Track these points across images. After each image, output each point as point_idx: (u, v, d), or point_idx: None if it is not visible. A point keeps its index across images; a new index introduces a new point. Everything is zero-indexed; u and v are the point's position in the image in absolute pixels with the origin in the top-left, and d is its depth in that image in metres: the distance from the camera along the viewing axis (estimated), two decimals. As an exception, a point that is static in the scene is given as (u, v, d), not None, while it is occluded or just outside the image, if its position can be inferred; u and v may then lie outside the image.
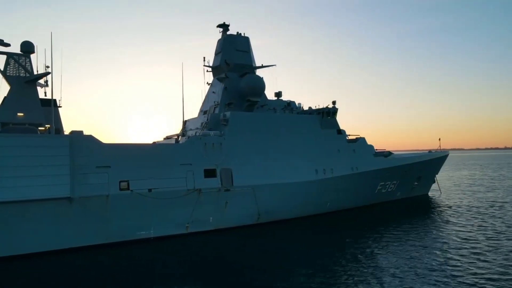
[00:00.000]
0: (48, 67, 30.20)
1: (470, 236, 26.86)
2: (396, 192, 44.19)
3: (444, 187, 58.01)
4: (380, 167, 39.58)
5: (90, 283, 18.89)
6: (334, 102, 38.19)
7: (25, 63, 28.06)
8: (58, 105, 33.03)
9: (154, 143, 32.69)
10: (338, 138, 37.13)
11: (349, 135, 43.35)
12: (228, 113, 31.71)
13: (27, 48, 28.23)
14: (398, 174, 42.45)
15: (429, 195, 50.24)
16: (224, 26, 36.79)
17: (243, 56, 36.26)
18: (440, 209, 39.09)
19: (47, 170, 23.09)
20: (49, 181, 23.01)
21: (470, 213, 36.02)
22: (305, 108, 39.48)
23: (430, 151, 53.50)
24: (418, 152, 65.37)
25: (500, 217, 33.40)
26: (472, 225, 30.60)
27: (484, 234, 27.51)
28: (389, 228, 30.04)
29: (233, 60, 35.69)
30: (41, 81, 31.87)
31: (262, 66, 37.70)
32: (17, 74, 27.58)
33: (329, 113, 37.08)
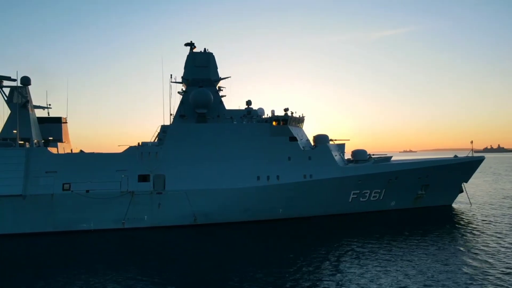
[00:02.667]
0: (50, 105, 40.58)
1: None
2: (389, 202, 40.94)
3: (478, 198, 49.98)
4: (343, 175, 37.79)
5: (39, 259, 25.89)
6: (286, 109, 38.35)
7: (24, 93, 37.64)
8: (64, 121, 42.62)
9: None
10: (290, 146, 37.18)
11: (333, 140, 42.58)
12: (167, 126, 35.91)
13: (25, 81, 37.81)
14: (380, 182, 39.47)
15: (454, 207, 44.23)
16: (191, 45, 40.77)
17: (202, 71, 39.62)
18: (440, 224, 34.64)
19: (5, 173, 31.49)
20: (6, 182, 31.38)
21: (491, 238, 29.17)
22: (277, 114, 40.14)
23: (456, 156, 46.81)
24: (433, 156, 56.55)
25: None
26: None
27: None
28: (328, 243, 28.52)
29: (191, 75, 39.46)
30: (45, 104, 41.83)
31: (220, 79, 40.36)
32: (18, 102, 37.26)
33: (279, 120, 37.49)
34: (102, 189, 33.06)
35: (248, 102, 41.90)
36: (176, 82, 40.38)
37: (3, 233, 31.59)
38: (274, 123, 37.56)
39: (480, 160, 46.02)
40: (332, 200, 38.16)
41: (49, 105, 41.76)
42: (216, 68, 40.61)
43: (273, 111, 38.78)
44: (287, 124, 37.66)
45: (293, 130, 38.15)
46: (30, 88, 38.57)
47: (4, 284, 20.84)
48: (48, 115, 41.67)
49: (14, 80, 37.92)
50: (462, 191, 45.59)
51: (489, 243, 27.25)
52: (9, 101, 37.28)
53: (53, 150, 35.58)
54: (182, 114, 38.38)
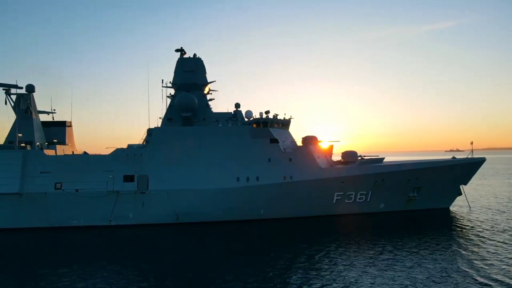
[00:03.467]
0: (54, 110, 44.00)
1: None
2: (377, 204, 40.55)
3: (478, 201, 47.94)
4: (324, 176, 37.94)
5: (34, 251, 28.91)
6: (267, 112, 39.02)
7: (28, 99, 41.09)
8: (68, 125, 45.89)
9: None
10: (271, 147, 37.89)
11: (321, 141, 42.86)
12: (152, 129, 37.85)
13: (30, 89, 41.34)
14: (365, 184, 39.23)
15: (451, 210, 42.98)
16: (181, 51, 42.52)
17: (189, 76, 41.21)
18: (422, 228, 33.65)
19: (3, 173, 34.75)
20: (5, 181, 34.63)
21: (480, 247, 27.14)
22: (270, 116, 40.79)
23: (454, 157, 45.33)
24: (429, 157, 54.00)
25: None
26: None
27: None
28: (300, 244, 28.55)
29: (179, 80, 41.17)
30: (50, 109, 45.30)
31: (207, 83, 41.74)
32: (23, 108, 40.73)
33: (259, 123, 38.28)
34: (90, 188, 35.57)
35: (237, 105, 43.03)
36: (167, 87, 42.31)
37: (2, 227, 34.88)
38: (254, 125, 38.43)
39: (480, 162, 44.35)
40: (315, 201, 38.41)
41: (54, 110, 45.27)
42: (204, 72, 42.09)
43: (261, 113, 39.62)
44: (267, 126, 38.39)
45: (275, 132, 38.83)
46: (36, 95, 42.20)
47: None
48: (53, 119, 45.11)
49: (21, 87, 41.56)
50: (461, 194, 44.15)
51: (482, 250, 25.84)
52: (15, 107, 40.89)
53: (51, 152, 38.71)
54: (169, 117, 40.23)
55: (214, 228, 35.25)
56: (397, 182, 40.14)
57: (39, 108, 43.87)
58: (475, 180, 77.69)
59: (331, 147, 42.27)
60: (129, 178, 36.18)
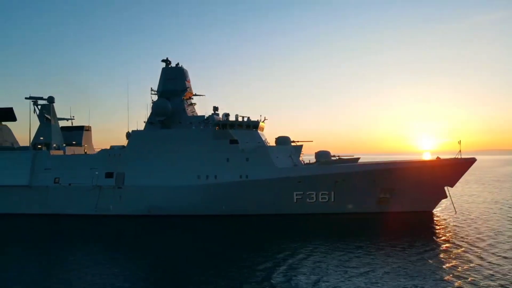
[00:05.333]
0: (73, 116, 52.43)
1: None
2: (344, 204, 40.24)
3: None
4: (279, 176, 39.08)
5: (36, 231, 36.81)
6: (227, 115, 41.46)
7: (49, 108, 49.92)
8: (86, 129, 54.19)
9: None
10: (230, 148, 40.34)
11: (295, 141, 44.26)
12: (131, 131, 43.24)
13: (50, 100, 50.21)
14: (325, 184, 39.34)
15: (435, 213, 40.70)
16: (167, 61, 47.24)
17: (170, 83, 45.61)
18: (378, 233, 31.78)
19: (18, 170, 43.37)
20: (18, 175, 43.22)
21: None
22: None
23: (438, 157, 42.32)
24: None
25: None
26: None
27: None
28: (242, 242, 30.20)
29: (161, 87, 45.86)
30: (69, 116, 53.98)
31: (186, 89, 45.56)
32: (45, 116, 49.69)
33: (219, 125, 40.99)
34: (79, 183, 42.37)
35: (215, 108, 46.36)
36: (154, 94, 47.51)
37: (14, 213, 43.54)
38: (217, 127, 41.36)
39: (468, 162, 40.87)
40: (275, 200, 39.79)
41: (73, 116, 53.95)
42: (184, 80, 46.20)
43: (222, 116, 42.47)
44: (227, 128, 40.99)
45: (239, 134, 41.16)
46: (59, 103, 51.06)
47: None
48: (72, 124, 53.77)
49: (45, 99, 50.66)
50: (446, 197, 41.16)
51: (459, 260, 22.75)
52: (39, 115, 50.05)
53: (60, 152, 46.70)
54: (151, 121, 45.24)
55: (181, 222, 38.85)
56: (360, 183, 39.33)
57: (63, 115, 53.06)
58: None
59: (300, 147, 43.06)
60: (109, 175, 42.12)
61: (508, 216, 38.12)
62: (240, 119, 42.81)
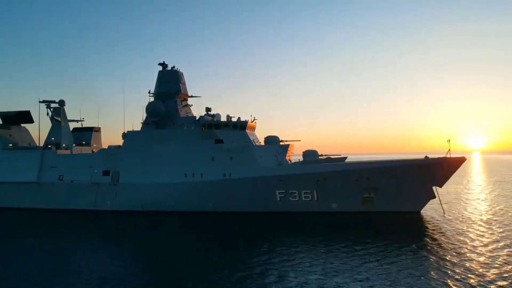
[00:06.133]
0: (83, 118, 56.13)
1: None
2: (328, 203, 40.53)
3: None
4: (261, 174, 39.95)
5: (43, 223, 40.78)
6: (212, 116, 42.81)
7: (59, 111, 53.84)
8: (96, 130, 57.80)
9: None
10: (215, 147, 41.75)
11: (283, 141, 45.14)
12: (126, 132, 45.81)
13: (61, 103, 54.11)
14: (307, 183, 39.78)
15: (422, 214, 39.93)
16: (163, 64, 49.47)
17: (165, 86, 47.76)
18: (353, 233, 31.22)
19: (28, 167, 47.31)
20: (28, 173, 47.16)
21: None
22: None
23: (426, 156, 41.39)
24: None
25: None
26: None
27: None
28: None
29: (157, 90, 48.11)
30: (79, 118, 57.75)
31: (179, 91, 47.44)
32: (55, 118, 53.64)
33: (205, 125, 42.48)
34: (80, 180, 45.57)
35: (208, 109, 48.02)
36: (151, 96, 49.92)
37: (24, 207, 47.53)
38: (203, 128, 42.93)
39: (457, 161, 39.76)
40: (258, 198, 40.79)
41: (82, 118, 57.71)
42: (178, 82, 48.20)
43: (207, 117, 44.02)
44: (212, 128, 42.44)
45: (225, 134, 42.52)
46: (70, 106, 54.87)
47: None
48: (81, 125, 57.55)
49: (56, 102, 54.65)
50: (434, 197, 40.27)
51: (445, 263, 21.83)
52: (51, 117, 54.07)
53: (66, 152, 50.28)
54: (146, 122, 47.64)
55: (171, 217, 40.88)
56: (343, 182, 39.39)
57: (74, 117, 56.99)
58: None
59: (287, 146, 43.70)
60: (106, 173, 44.95)
61: (498, 220, 36.73)
62: (234, 119, 44.33)
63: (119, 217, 42.17)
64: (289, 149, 44.30)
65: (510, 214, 38.85)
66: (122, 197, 44.00)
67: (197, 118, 45.94)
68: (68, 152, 50.45)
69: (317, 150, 44.47)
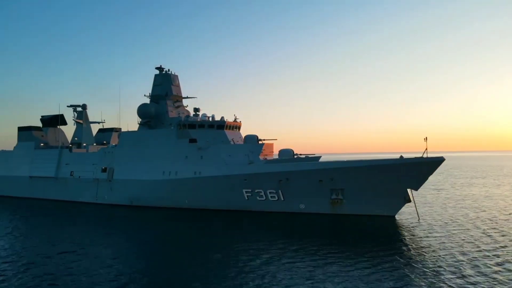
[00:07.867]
0: (104, 120, 62.37)
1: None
2: (296, 204, 39.62)
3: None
4: (226, 173, 40.38)
5: (51, 213, 47.93)
6: (187, 117, 44.16)
7: (81, 113, 60.59)
8: (116, 130, 63.59)
9: None
10: (188, 146, 43.27)
11: (262, 140, 45.47)
12: (121, 132, 49.82)
13: (84, 106, 60.86)
14: (270, 182, 39.26)
15: (396, 219, 36.83)
16: (160, 68, 52.52)
17: (158, 88, 50.69)
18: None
19: (47, 164, 54.32)
20: (47, 169, 54.17)
21: None
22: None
23: (401, 156, 37.76)
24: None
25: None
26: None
27: None
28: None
29: (152, 92, 51.27)
30: (100, 119, 64.00)
31: (171, 94, 49.86)
32: (78, 120, 60.49)
33: (180, 125, 44.20)
34: (85, 176, 50.98)
35: (196, 109, 49.87)
36: (148, 98, 53.40)
37: (46, 198, 54.59)
38: (180, 128, 44.80)
39: (434, 163, 35.77)
40: (227, 196, 41.42)
41: (104, 120, 63.81)
42: (169, 84, 50.84)
43: (184, 117, 45.74)
44: (186, 128, 44.08)
45: (199, 133, 43.91)
46: (92, 109, 61.39)
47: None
48: (103, 126, 63.73)
49: (80, 106, 61.52)
50: (409, 201, 36.79)
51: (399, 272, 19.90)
52: (75, 120, 61.07)
53: (82, 150, 56.37)
54: (141, 123, 51.16)
55: (149, 213, 43.98)
56: (306, 182, 38.06)
57: (95, 119, 63.50)
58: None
59: (261, 145, 43.50)
60: (104, 170, 49.59)
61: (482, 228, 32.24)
62: (223, 118, 45.68)
63: (111, 210, 46.18)
64: (265, 148, 44.03)
65: (499, 218, 33.70)
66: (116, 191, 48.17)
67: (182, 118, 48.13)
68: (83, 151, 56.52)
69: (293, 149, 43.47)
